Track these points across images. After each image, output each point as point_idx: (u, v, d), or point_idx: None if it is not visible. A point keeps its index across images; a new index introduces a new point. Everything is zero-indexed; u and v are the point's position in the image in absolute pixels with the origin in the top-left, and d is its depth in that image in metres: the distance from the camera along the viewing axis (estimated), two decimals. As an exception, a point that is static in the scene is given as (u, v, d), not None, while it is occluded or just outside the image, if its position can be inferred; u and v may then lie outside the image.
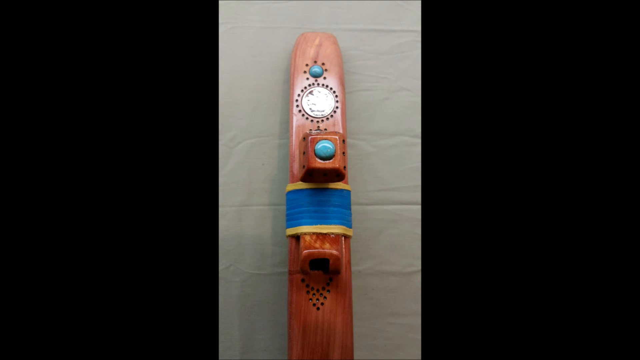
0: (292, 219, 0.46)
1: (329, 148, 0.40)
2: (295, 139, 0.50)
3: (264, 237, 0.52)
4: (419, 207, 0.53)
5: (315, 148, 0.40)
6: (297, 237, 0.46)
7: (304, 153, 0.41)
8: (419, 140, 0.55)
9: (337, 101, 0.52)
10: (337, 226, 0.45)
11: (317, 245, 0.43)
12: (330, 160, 0.40)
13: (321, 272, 0.45)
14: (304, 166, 0.41)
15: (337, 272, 0.43)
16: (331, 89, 0.52)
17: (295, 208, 0.46)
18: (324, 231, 0.44)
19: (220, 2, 0.58)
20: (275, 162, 0.54)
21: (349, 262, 0.47)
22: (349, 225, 0.46)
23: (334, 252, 0.42)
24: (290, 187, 0.47)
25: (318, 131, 0.42)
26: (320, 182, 0.45)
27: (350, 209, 0.47)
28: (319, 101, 0.51)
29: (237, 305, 0.50)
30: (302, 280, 0.46)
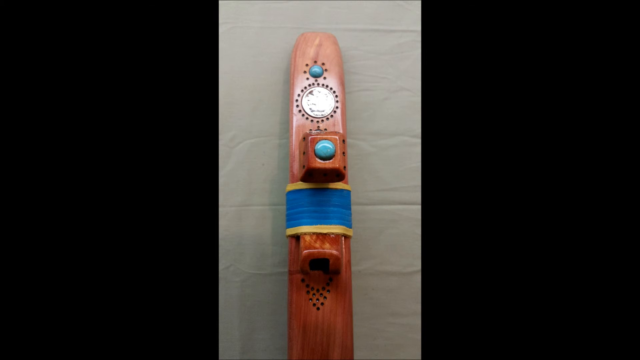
0: (292, 219, 0.46)
1: (329, 148, 0.40)
2: (295, 139, 0.50)
3: (264, 237, 0.52)
4: (419, 207, 0.53)
5: (315, 148, 0.40)
6: (297, 237, 0.46)
7: (304, 153, 0.41)
8: (419, 140, 0.55)
9: (337, 101, 0.52)
10: (337, 226, 0.45)
11: (317, 245, 0.43)
12: (330, 160, 0.40)
13: (321, 272, 0.45)
14: (304, 166, 0.41)
15: (337, 272, 0.43)
16: (331, 89, 0.52)
17: (295, 208, 0.46)
18: (324, 231, 0.44)
19: (220, 2, 0.58)
20: (275, 162, 0.54)
21: (349, 262, 0.47)
22: (349, 225, 0.46)
23: (334, 252, 0.42)
24: (290, 187, 0.47)
25: (318, 131, 0.42)
26: (320, 182, 0.45)
27: (350, 209, 0.47)
28: (319, 101, 0.51)
29: (237, 305, 0.50)
30: (302, 280, 0.46)
